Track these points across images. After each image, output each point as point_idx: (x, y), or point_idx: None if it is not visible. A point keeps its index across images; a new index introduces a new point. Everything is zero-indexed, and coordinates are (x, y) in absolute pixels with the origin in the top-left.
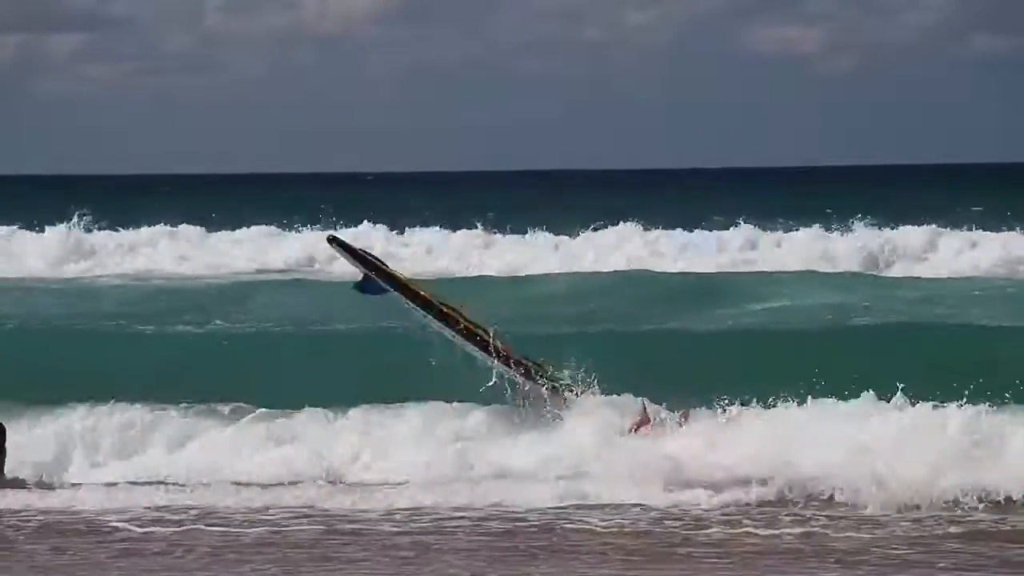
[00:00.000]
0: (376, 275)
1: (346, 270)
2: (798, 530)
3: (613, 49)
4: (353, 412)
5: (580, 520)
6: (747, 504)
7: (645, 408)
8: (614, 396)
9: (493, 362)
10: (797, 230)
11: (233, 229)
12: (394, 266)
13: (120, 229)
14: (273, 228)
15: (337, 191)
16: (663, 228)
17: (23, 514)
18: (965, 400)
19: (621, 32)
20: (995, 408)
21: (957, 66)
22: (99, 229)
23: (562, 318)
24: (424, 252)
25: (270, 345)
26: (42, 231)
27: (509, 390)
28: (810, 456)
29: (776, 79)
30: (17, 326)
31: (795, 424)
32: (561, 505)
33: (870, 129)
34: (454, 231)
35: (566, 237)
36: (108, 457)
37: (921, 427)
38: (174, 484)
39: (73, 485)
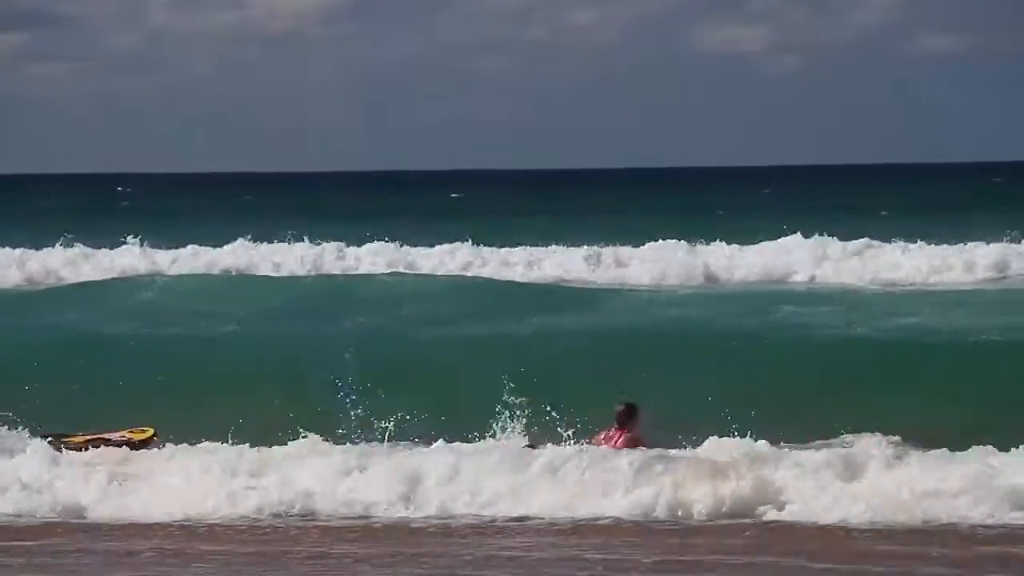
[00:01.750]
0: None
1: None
2: None
3: (565, 49)
4: None
5: None
6: None
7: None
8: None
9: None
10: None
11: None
12: None
13: None
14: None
15: (290, 192)
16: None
17: None
18: None
19: (569, 32)
20: None
21: (906, 65)
22: None
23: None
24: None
25: None
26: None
27: None
28: None
29: (728, 78)
30: None
31: None
32: None
33: (831, 129)
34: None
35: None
36: None
37: None
38: None
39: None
